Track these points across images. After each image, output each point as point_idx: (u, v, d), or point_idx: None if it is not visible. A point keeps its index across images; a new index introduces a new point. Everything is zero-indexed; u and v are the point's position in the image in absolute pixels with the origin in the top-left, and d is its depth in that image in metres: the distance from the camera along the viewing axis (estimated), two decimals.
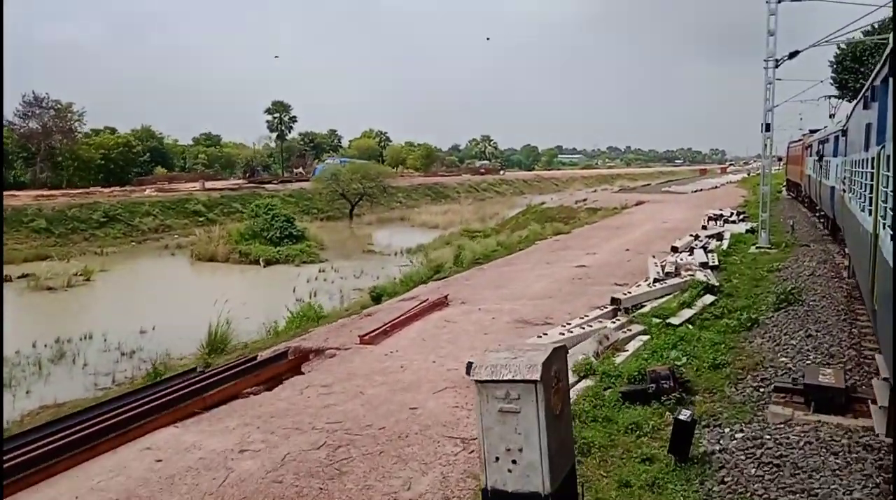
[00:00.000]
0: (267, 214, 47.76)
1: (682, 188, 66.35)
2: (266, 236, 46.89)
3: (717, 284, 15.67)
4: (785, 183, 55.21)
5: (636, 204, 50.44)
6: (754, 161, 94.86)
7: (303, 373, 11.28)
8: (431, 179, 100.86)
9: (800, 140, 44.90)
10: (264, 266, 40.16)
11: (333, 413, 8.69)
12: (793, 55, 21.10)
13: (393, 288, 21.32)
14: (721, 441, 7.06)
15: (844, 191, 15.92)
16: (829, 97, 50.59)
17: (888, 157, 6.99)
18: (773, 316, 12.59)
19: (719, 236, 25.03)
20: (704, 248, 22.29)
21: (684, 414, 6.45)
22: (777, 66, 21.45)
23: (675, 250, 21.44)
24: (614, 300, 13.48)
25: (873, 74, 9.37)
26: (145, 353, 18.77)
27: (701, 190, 64.28)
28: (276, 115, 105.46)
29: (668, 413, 7.82)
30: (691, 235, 24.54)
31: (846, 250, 16.52)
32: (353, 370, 10.61)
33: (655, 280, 15.67)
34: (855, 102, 13.86)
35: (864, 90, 11.13)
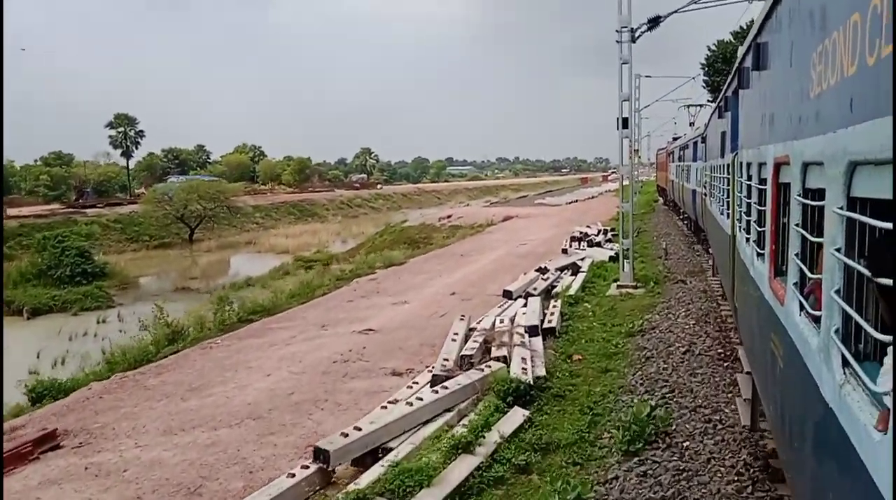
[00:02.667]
0: (56, 247, 38.51)
1: (556, 200, 61.67)
2: (54, 275, 37.73)
3: (542, 374, 9.40)
4: (657, 189, 51.78)
5: (503, 220, 44.97)
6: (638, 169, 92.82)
7: None
8: (299, 195, 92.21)
9: (665, 147, 42.63)
10: (28, 318, 31.20)
11: None
12: (653, 23, 15.47)
13: (87, 375, 13.90)
14: None
15: (705, 194, 16.12)
16: (689, 106, 49.77)
17: (741, 163, 7.32)
18: (619, 477, 6.29)
19: (575, 269, 19.15)
20: (549, 290, 16.25)
21: None
22: (634, 40, 15.74)
23: (507, 295, 15.21)
24: (320, 454, 6.76)
25: (725, 86, 10.42)
26: None
27: (577, 201, 59.91)
28: (121, 129, 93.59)
29: None
30: (538, 269, 18.51)
31: (710, 250, 16.90)
32: None
33: (436, 378, 9.11)
34: (711, 111, 14.73)
35: (718, 100, 11.98)
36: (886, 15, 1.97)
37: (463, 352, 10.16)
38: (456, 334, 11.21)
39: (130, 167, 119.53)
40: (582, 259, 21.39)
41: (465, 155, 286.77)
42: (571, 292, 15.70)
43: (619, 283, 16.51)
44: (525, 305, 13.95)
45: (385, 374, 10.65)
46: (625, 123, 16.22)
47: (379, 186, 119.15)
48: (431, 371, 9.64)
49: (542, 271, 18.41)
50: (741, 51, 7.22)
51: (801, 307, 3.53)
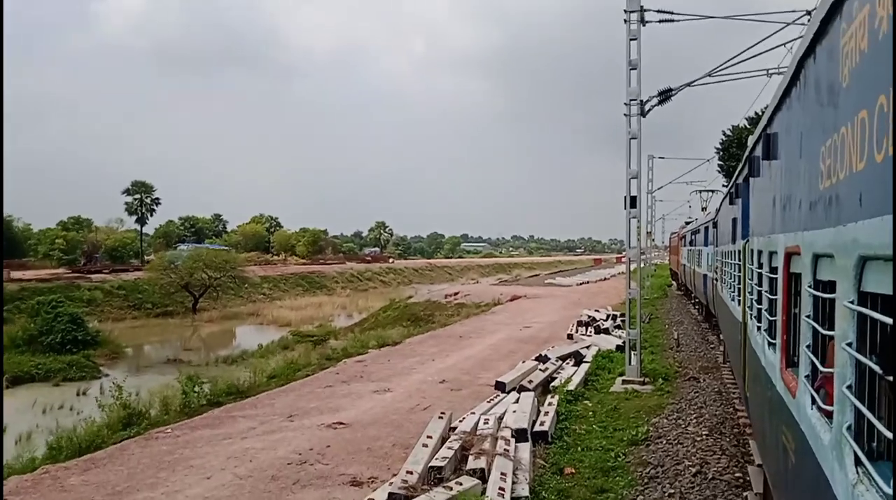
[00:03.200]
0: (49, 313, 37.50)
1: (567, 280, 60.23)
2: (44, 342, 36.55)
3: (524, 495, 7.87)
4: (670, 273, 50.45)
5: (510, 299, 43.53)
6: (653, 252, 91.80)
7: None
8: (309, 267, 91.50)
9: (678, 231, 43.65)
10: (8, 386, 29.73)
11: None
12: (665, 97, 14.53)
13: (27, 463, 12.41)
14: None
15: (716, 279, 16.42)
16: (700, 191, 50.72)
17: (752, 251, 7.30)
18: None
19: (578, 358, 17.59)
20: (548, 382, 14.75)
21: None
22: (644, 114, 14.75)
23: (500, 388, 13.73)
24: None
25: (736, 173, 10.47)
26: None
27: (588, 282, 58.45)
28: (137, 196, 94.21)
29: None
30: (538, 358, 17.04)
31: (721, 336, 16.77)
32: None
33: (392, 498, 7.57)
34: (723, 197, 14.90)
35: (729, 187, 12.39)
36: (893, 113, 1.98)
37: (433, 462, 8.62)
38: (429, 437, 9.68)
39: (149, 234, 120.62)
40: (587, 347, 19.89)
41: (480, 232, 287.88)
42: (571, 386, 14.14)
43: (624, 377, 14.93)
44: (517, 400, 12.42)
45: (343, 482, 9.09)
46: (633, 202, 15.03)
47: (391, 259, 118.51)
48: (391, 486, 8.10)
49: (542, 359, 16.92)
50: (751, 140, 7.28)
51: (813, 401, 3.44)
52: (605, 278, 63.34)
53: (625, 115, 14.80)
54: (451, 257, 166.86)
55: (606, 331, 23.72)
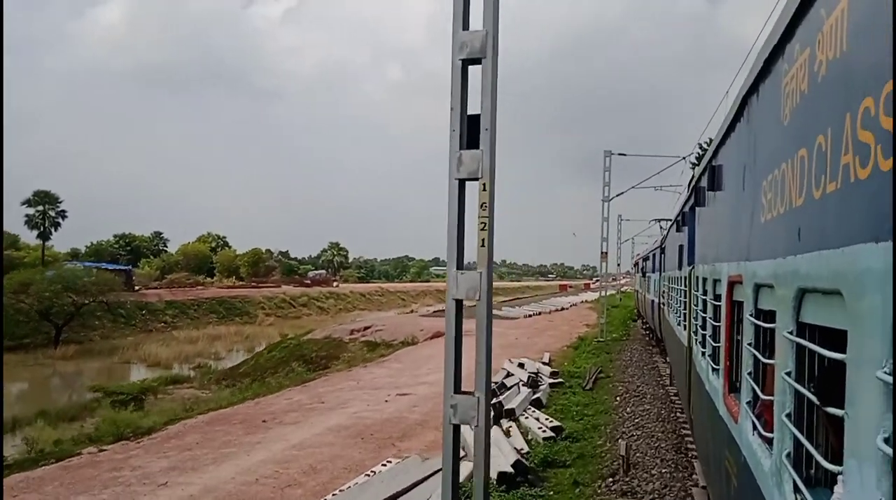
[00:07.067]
0: None
1: (514, 311, 49.92)
2: None
3: None
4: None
5: (431, 337, 33.52)
6: (623, 277, 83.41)
7: None
8: (232, 291, 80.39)
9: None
10: None
11: None
12: None
13: None
14: None
15: (663, 304, 17.21)
16: (660, 220, 44.19)
17: (697, 278, 7.56)
18: None
19: None
20: None
21: None
22: None
23: None
24: None
25: (682, 202, 10.63)
26: None
27: (539, 313, 48.28)
28: (40, 208, 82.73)
29: None
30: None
31: (668, 359, 17.25)
32: None
33: None
34: (670, 224, 15.62)
35: (676, 215, 12.34)
36: (831, 153, 2.05)
37: None
38: None
39: (81, 253, 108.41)
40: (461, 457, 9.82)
41: None
42: None
43: None
44: None
45: None
46: (469, 132, 5.11)
47: (335, 283, 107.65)
48: None
49: None
50: (697, 170, 7.46)
51: (755, 427, 3.49)
52: (562, 308, 53.48)
53: None
54: (416, 281, 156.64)
55: (512, 414, 13.56)
